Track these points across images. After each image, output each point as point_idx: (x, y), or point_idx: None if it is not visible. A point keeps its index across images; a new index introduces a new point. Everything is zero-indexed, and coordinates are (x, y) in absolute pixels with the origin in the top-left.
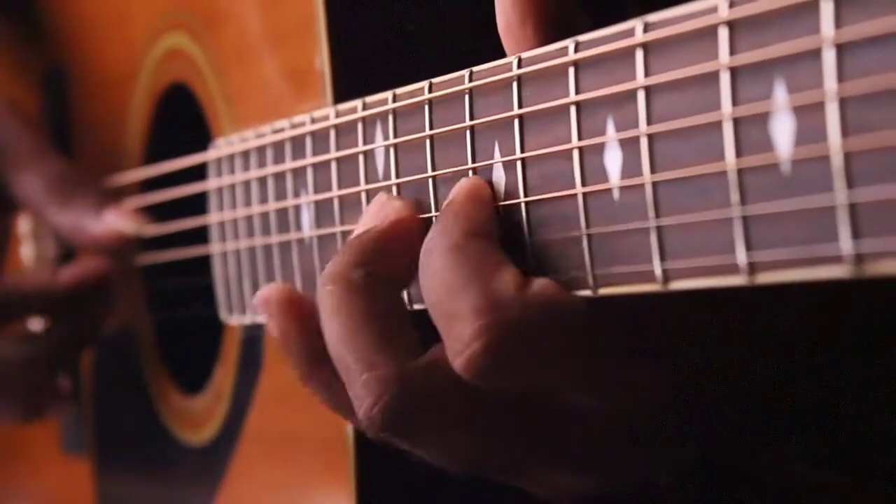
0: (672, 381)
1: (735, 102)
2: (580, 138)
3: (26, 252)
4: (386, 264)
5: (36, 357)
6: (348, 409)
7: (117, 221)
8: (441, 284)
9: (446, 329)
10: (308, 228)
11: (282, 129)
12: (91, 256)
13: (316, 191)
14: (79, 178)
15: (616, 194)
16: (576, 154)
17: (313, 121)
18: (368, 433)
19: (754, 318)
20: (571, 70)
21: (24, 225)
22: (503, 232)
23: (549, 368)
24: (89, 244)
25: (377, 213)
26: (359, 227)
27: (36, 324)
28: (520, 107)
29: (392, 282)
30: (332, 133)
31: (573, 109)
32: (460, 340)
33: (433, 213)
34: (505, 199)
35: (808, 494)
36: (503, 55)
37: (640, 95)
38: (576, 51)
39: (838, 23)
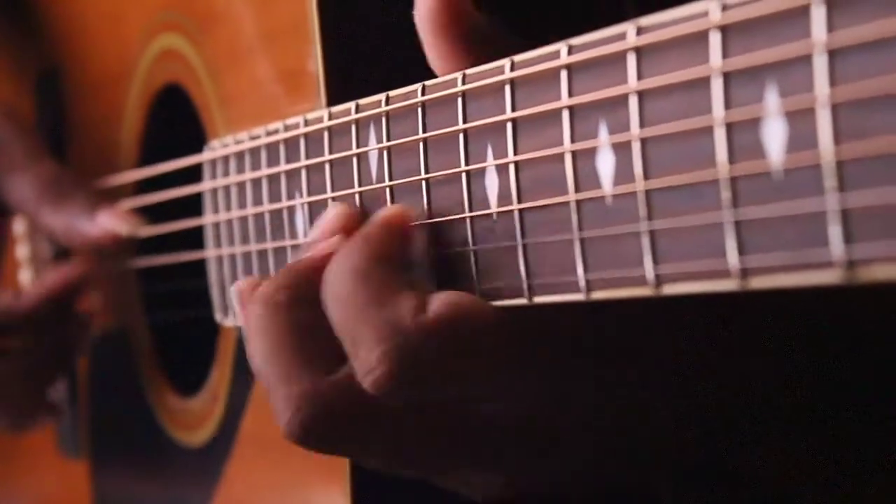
0: (608, 396)
1: (727, 107)
2: (573, 142)
3: (21, 253)
4: (312, 287)
5: (15, 373)
6: None
7: (110, 222)
8: (343, 307)
9: (351, 351)
10: (302, 230)
11: (276, 131)
12: (52, 271)
13: (310, 193)
14: (72, 180)
15: (609, 198)
16: (568, 157)
17: (307, 123)
18: (293, 441)
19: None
20: (564, 73)
21: (19, 226)
22: (498, 236)
23: (453, 383)
24: (84, 246)
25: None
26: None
27: (16, 340)
28: (513, 110)
29: (316, 301)
30: (326, 135)
31: (566, 113)
32: (366, 364)
33: (425, 213)
34: (498, 203)
35: (808, 494)
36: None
37: (633, 99)
38: (568, 54)
39: (830, 27)
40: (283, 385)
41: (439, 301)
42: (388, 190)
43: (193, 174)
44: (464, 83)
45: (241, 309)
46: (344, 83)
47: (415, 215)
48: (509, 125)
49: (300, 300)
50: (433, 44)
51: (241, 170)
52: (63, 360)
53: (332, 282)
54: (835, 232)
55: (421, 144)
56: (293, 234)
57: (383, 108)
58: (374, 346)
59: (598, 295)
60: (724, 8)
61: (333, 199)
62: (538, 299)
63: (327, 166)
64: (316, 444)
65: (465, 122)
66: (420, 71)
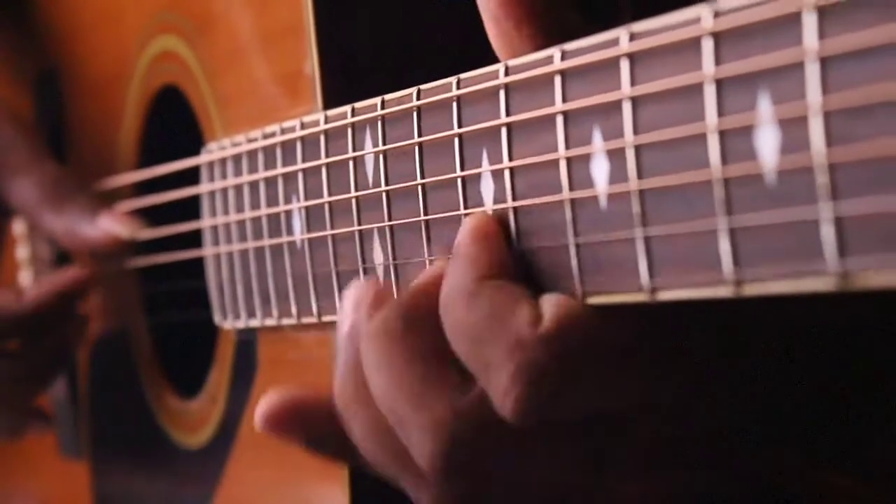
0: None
1: (720, 114)
2: (567, 147)
3: (21, 254)
4: (425, 309)
5: (11, 376)
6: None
7: (111, 225)
8: (464, 336)
9: (484, 380)
10: (299, 233)
11: (273, 134)
12: (54, 274)
13: (307, 196)
14: (73, 182)
15: (603, 203)
16: (563, 163)
17: (303, 126)
18: (437, 480)
19: (756, 320)
20: (558, 79)
21: (18, 227)
22: None
23: (590, 390)
24: (84, 248)
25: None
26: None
27: (13, 342)
28: (507, 115)
29: (430, 322)
30: (322, 139)
31: (560, 119)
32: (499, 389)
33: (421, 218)
34: (494, 208)
35: (808, 494)
36: (492, 62)
37: (626, 105)
38: (562, 59)
39: (822, 35)
40: (416, 415)
41: (550, 306)
42: (384, 194)
43: (191, 176)
44: (458, 88)
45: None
46: (340, 86)
47: (494, 218)
48: (504, 130)
49: (417, 324)
50: (499, 29)
51: (238, 173)
52: (55, 365)
53: (445, 311)
54: (828, 239)
55: (416, 148)
56: (289, 236)
57: (379, 111)
58: (503, 369)
59: (595, 301)
60: (717, 14)
61: (330, 202)
62: None
63: (324, 169)
64: (462, 472)
65: (460, 126)
66: (416, 74)
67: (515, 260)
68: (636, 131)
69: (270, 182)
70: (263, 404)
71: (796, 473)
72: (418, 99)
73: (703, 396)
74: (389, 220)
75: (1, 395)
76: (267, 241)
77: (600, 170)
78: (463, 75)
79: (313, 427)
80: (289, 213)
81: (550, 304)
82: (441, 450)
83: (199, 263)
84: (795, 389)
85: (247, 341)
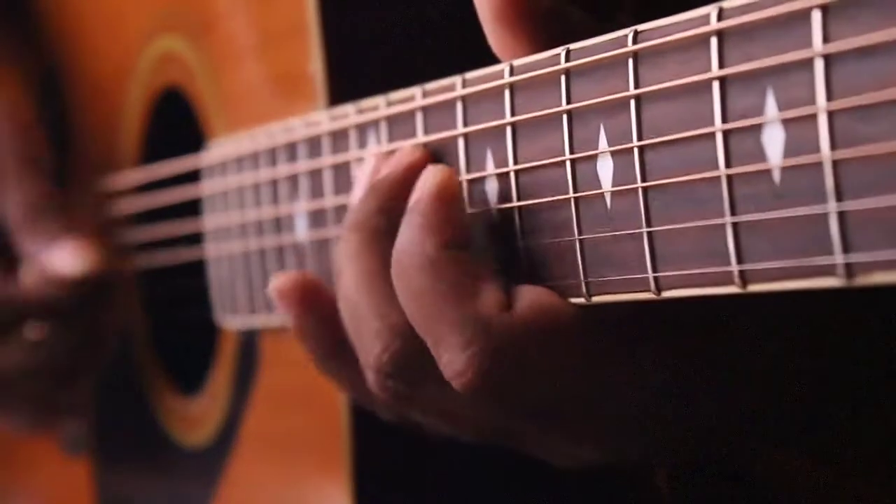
0: (673, 375)
1: (725, 113)
2: (572, 146)
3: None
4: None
5: (39, 367)
6: (367, 394)
7: (62, 259)
8: (420, 305)
9: (435, 351)
10: (303, 233)
11: (275, 134)
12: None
13: (310, 196)
14: (54, 205)
15: (609, 202)
16: (568, 163)
17: (307, 125)
18: (376, 386)
19: (754, 315)
20: (563, 78)
21: None
22: (498, 239)
23: (545, 381)
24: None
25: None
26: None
27: (33, 331)
28: (512, 114)
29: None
30: (326, 138)
31: (565, 118)
32: (453, 366)
33: None
34: (499, 206)
35: (806, 492)
36: (496, 61)
37: (632, 105)
38: (567, 59)
39: (827, 35)
40: (375, 318)
41: (525, 300)
42: None
43: (193, 175)
44: (463, 87)
45: (283, 307)
46: (344, 85)
47: (455, 176)
48: (509, 129)
49: (396, 226)
50: (498, 34)
51: (240, 171)
52: (91, 355)
53: (401, 275)
54: (834, 237)
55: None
56: (293, 237)
57: (383, 110)
58: (460, 348)
59: (599, 299)
60: (723, 15)
61: (334, 202)
62: None
63: (327, 170)
64: (402, 387)
65: (465, 126)
66: (420, 73)
67: (520, 257)
68: (641, 130)
69: (273, 182)
70: (280, 278)
71: (759, 455)
72: (423, 98)
73: (681, 396)
74: None
75: (22, 387)
76: (270, 242)
77: (606, 169)
78: (468, 74)
79: (318, 312)
80: (292, 214)
81: (529, 292)
82: (388, 357)
83: (200, 261)
84: (796, 385)
85: (249, 339)
